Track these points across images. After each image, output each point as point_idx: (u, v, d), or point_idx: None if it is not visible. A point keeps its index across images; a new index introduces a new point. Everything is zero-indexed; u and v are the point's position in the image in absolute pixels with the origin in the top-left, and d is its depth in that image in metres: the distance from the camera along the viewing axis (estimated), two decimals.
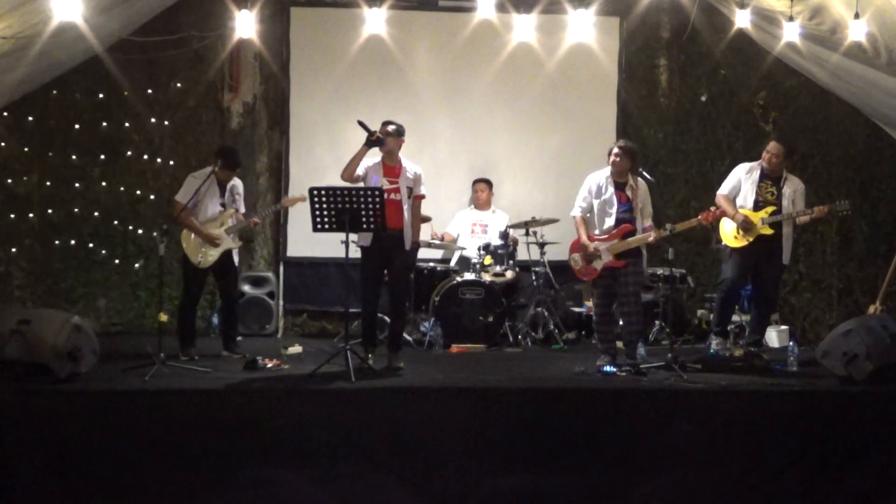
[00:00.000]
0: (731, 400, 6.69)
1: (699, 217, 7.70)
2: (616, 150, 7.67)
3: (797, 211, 8.15)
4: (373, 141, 7.45)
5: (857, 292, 10.31)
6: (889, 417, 6.57)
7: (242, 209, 8.35)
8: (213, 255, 8.03)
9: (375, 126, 7.59)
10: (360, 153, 7.52)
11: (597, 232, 7.75)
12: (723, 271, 8.50)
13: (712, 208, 7.95)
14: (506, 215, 9.85)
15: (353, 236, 7.44)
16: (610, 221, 7.69)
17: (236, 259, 8.35)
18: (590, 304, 9.55)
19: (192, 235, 7.98)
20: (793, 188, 8.24)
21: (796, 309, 10.33)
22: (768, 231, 8.08)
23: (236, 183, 8.29)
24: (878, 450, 6.43)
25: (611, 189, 7.70)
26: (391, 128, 7.69)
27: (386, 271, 7.77)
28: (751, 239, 8.10)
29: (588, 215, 7.81)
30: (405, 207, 7.65)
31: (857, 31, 7.51)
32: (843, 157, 10.35)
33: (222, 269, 8.16)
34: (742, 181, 8.28)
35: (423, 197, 7.89)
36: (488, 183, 9.92)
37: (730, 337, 8.64)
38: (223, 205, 8.14)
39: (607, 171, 7.75)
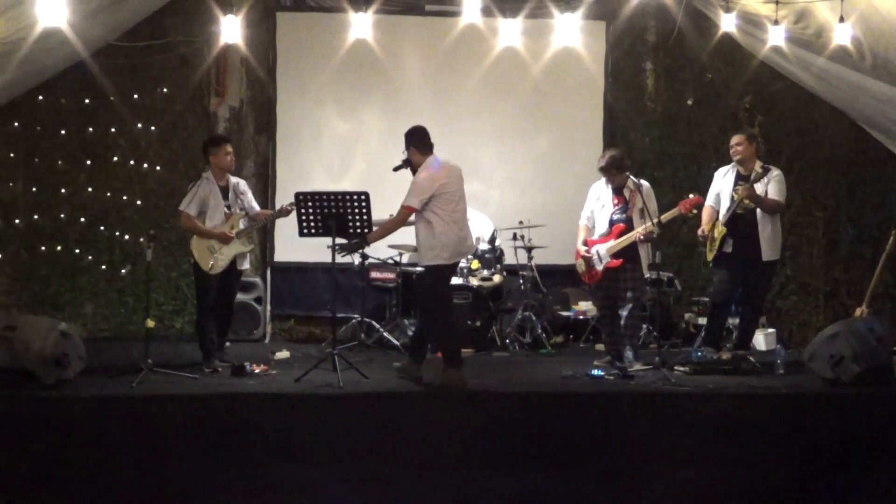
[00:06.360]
0: (718, 403, 6.73)
1: (678, 206, 7.82)
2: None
3: (740, 196, 7.88)
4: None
5: (843, 295, 10.34)
6: (875, 420, 6.61)
7: (256, 206, 8.14)
8: (223, 258, 7.70)
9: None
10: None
11: (597, 236, 7.95)
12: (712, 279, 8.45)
13: (690, 196, 7.96)
14: (477, 213, 9.56)
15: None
16: (606, 224, 7.89)
17: (247, 264, 8.12)
18: (577, 307, 9.59)
19: (200, 241, 7.68)
20: (765, 180, 7.98)
21: (783, 312, 10.34)
22: (721, 230, 7.99)
23: (237, 181, 8.01)
24: (865, 451, 6.46)
25: (608, 193, 7.92)
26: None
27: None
28: (716, 247, 8.05)
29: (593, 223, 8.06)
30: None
31: (841, 35, 7.55)
32: (829, 160, 10.37)
33: (228, 274, 7.82)
34: (720, 187, 8.21)
35: (409, 208, 7.11)
36: None
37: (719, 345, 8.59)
38: (228, 207, 7.85)
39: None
